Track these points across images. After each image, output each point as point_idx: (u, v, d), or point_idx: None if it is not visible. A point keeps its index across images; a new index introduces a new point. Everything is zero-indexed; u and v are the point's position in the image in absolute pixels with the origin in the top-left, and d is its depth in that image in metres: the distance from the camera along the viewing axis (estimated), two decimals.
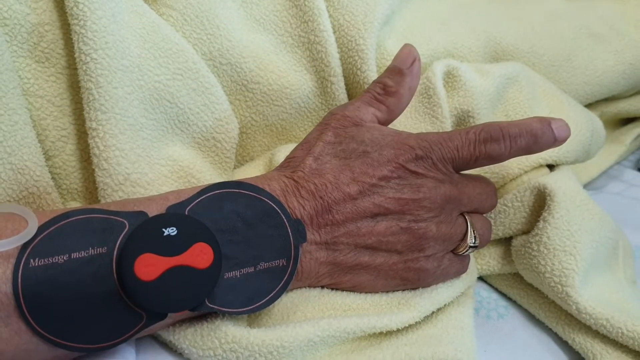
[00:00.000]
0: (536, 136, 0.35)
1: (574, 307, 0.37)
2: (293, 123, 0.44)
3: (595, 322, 0.37)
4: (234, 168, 0.44)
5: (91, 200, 0.36)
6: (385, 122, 0.39)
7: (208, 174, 0.38)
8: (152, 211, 0.29)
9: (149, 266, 0.26)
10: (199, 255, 0.28)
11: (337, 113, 0.37)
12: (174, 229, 0.28)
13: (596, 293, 0.39)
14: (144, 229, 0.27)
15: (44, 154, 0.34)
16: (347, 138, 0.36)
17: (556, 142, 0.36)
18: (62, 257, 0.26)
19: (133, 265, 0.26)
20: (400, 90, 0.38)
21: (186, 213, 0.29)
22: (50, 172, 0.34)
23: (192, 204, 0.30)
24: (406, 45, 0.39)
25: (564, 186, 0.40)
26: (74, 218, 0.27)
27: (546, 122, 0.36)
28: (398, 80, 0.38)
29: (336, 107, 0.38)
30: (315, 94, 0.43)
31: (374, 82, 0.39)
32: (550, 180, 0.40)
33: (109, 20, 0.34)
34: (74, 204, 0.36)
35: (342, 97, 0.44)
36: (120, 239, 0.27)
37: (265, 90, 0.41)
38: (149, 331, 0.30)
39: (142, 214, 0.28)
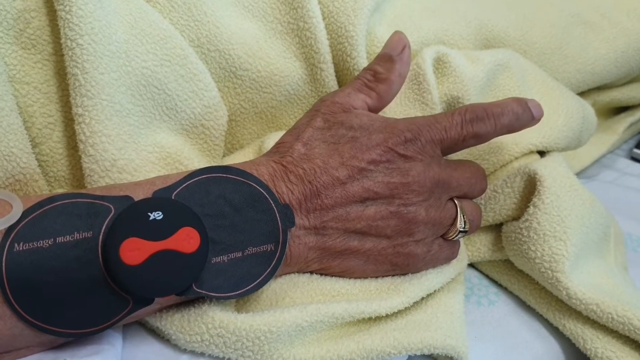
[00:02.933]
0: (517, 114, 0.37)
1: (564, 293, 0.37)
2: (283, 110, 0.44)
3: (585, 308, 0.37)
4: (224, 156, 0.44)
5: (79, 187, 0.36)
6: (375, 109, 0.39)
7: (196, 161, 0.37)
8: (138, 196, 0.29)
9: (135, 250, 0.26)
10: (185, 240, 0.28)
11: (327, 99, 0.37)
12: (160, 213, 0.27)
13: (586, 278, 0.38)
14: (130, 213, 0.27)
15: (30, 141, 0.34)
16: (336, 124, 0.36)
17: (534, 120, 0.38)
18: (47, 241, 0.26)
19: (118, 249, 0.26)
20: (390, 77, 0.38)
21: (172, 198, 0.29)
22: (37, 159, 0.34)
23: (178, 189, 0.30)
24: (396, 32, 0.40)
25: (554, 172, 0.40)
26: (59, 202, 0.27)
27: (523, 101, 0.38)
28: (388, 67, 0.38)
29: (326, 94, 0.39)
30: (305, 81, 0.43)
31: (364, 69, 0.40)
32: (540, 165, 0.40)
33: (95, 5, 0.33)
34: (61, 191, 0.36)
35: (331, 84, 0.43)
36: (105, 223, 0.27)
37: (254, 77, 0.41)
38: (136, 317, 0.30)
39: (127, 198, 0.28)
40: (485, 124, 0.36)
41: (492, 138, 0.38)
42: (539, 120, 0.38)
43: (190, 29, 0.39)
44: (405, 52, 0.39)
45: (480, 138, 0.37)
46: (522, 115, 0.37)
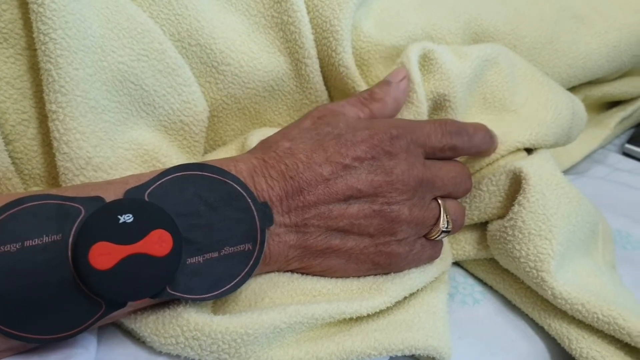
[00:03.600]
0: (485, 138, 0.40)
1: (549, 292, 0.37)
2: (266, 106, 0.43)
3: (570, 307, 0.37)
4: (206, 152, 0.43)
5: (54, 185, 0.35)
6: None
7: (175, 158, 0.37)
8: (110, 196, 0.28)
9: (104, 255, 0.26)
10: (157, 243, 0.27)
11: (320, 106, 0.38)
12: (130, 215, 0.27)
13: (572, 278, 0.38)
14: (99, 216, 0.27)
15: (3, 138, 0.33)
16: (322, 124, 0.36)
17: (492, 148, 0.41)
18: (14, 245, 0.25)
19: (88, 254, 0.26)
20: (385, 98, 0.39)
21: (145, 197, 0.28)
22: (10, 156, 0.33)
23: (151, 188, 0.29)
24: (400, 67, 0.41)
25: (540, 170, 0.39)
26: (28, 204, 0.27)
27: (489, 129, 0.41)
28: (385, 89, 0.40)
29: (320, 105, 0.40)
30: (289, 76, 0.43)
31: (362, 90, 0.41)
32: (525, 163, 0.39)
33: None
34: (37, 189, 0.35)
35: (316, 79, 0.43)
36: (75, 225, 0.27)
37: (236, 72, 0.40)
38: (110, 319, 0.30)
39: (98, 199, 0.28)
40: (461, 138, 0.38)
41: (464, 154, 0.39)
42: (495, 149, 0.41)
43: (170, 23, 0.38)
44: (403, 81, 0.40)
45: (456, 151, 0.38)
46: (489, 140, 0.40)
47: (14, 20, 0.33)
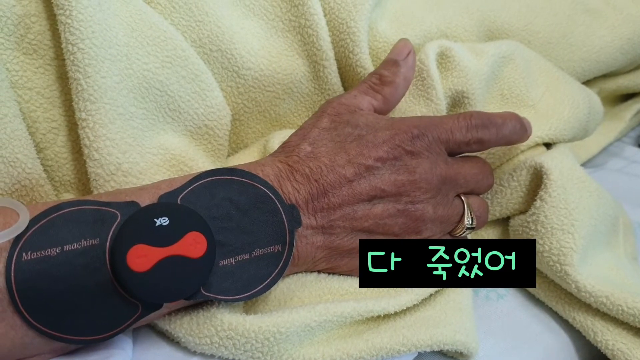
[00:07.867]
0: (515, 127, 0.39)
1: (573, 286, 0.37)
2: (286, 109, 0.44)
3: (595, 300, 0.37)
4: (228, 155, 0.43)
5: (84, 191, 0.36)
6: (381, 112, 0.39)
7: (201, 162, 0.37)
8: (144, 201, 0.29)
9: (142, 257, 0.26)
10: (192, 245, 0.28)
11: (334, 101, 0.38)
12: (166, 218, 0.27)
13: (595, 271, 0.38)
14: (136, 220, 0.27)
15: (35, 146, 0.34)
16: (342, 123, 0.36)
17: (526, 135, 0.40)
18: (54, 249, 0.26)
19: (125, 257, 0.26)
20: (395, 79, 0.39)
21: (178, 201, 0.29)
22: (42, 164, 0.34)
23: (184, 192, 0.30)
24: (401, 39, 0.41)
25: (560, 164, 0.39)
26: (65, 210, 0.27)
27: (520, 116, 0.39)
28: (394, 70, 0.39)
29: (333, 97, 0.39)
30: (308, 79, 0.43)
31: (370, 73, 0.40)
32: (546, 158, 0.40)
33: (95, 9, 0.33)
34: (68, 196, 0.36)
35: (334, 80, 0.43)
36: (112, 230, 0.27)
37: (256, 76, 0.41)
38: (146, 321, 0.30)
39: (133, 204, 0.28)
40: (489, 131, 0.37)
41: (492, 147, 0.39)
42: (529, 137, 0.40)
43: (191, 30, 0.39)
44: (410, 57, 0.40)
45: (483, 144, 0.37)
46: (520, 129, 0.39)
47: (42, 32, 0.34)
